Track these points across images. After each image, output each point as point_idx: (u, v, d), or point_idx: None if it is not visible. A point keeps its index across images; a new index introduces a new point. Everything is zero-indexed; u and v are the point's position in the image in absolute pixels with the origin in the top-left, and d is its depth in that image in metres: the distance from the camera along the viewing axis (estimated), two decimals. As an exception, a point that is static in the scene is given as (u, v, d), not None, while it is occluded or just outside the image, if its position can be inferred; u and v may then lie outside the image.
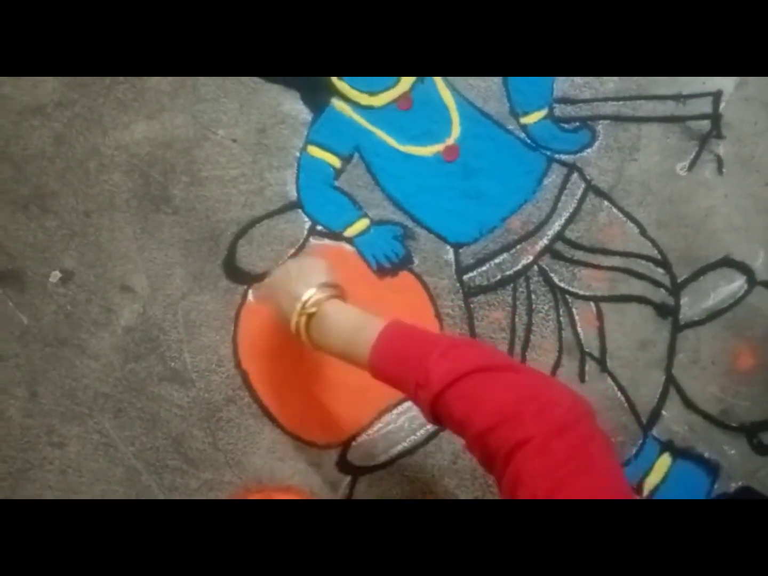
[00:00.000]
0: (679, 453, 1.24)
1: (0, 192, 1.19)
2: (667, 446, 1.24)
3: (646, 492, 1.25)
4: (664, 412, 1.24)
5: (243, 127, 1.22)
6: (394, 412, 1.22)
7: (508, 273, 1.24)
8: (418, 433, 1.22)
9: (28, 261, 1.19)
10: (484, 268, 1.24)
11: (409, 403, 1.21)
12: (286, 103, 1.22)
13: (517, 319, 1.24)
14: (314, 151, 1.23)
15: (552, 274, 1.24)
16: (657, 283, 1.25)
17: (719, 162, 1.25)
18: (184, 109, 1.21)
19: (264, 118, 1.22)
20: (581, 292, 1.24)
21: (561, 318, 1.24)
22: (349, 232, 1.24)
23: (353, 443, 1.23)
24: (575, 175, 1.25)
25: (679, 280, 1.25)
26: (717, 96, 1.25)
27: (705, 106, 1.25)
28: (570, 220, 1.24)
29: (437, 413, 0.88)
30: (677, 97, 1.25)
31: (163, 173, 1.21)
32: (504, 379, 0.86)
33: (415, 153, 1.24)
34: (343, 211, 1.24)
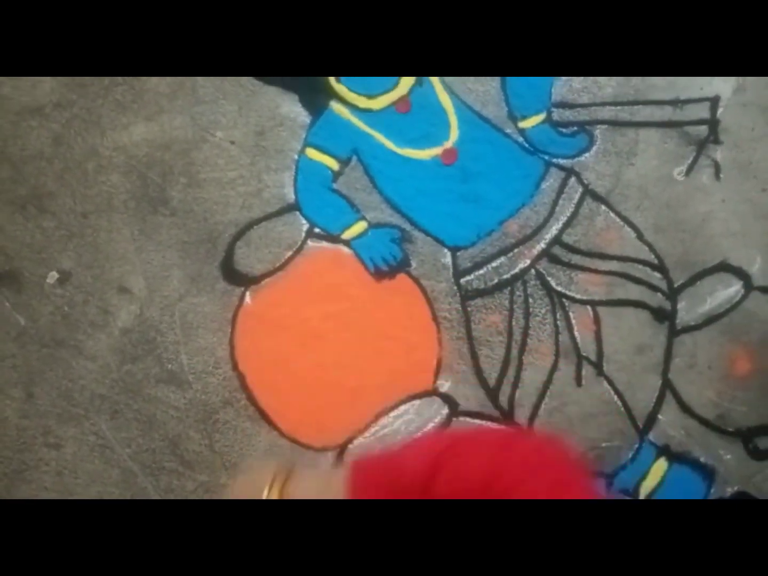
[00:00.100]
0: (675, 457, 1.24)
1: None
2: (663, 451, 1.24)
3: (642, 496, 1.24)
4: (660, 417, 1.24)
5: (241, 129, 1.21)
6: (391, 414, 1.22)
7: (505, 277, 1.24)
8: (415, 436, 1.22)
9: (25, 261, 1.19)
10: (481, 272, 1.24)
11: (405, 406, 1.21)
12: (285, 105, 1.22)
13: (514, 323, 1.23)
14: (312, 153, 1.23)
15: (549, 278, 1.24)
16: (654, 288, 1.24)
17: (717, 167, 1.25)
18: (182, 110, 1.21)
19: (262, 121, 1.22)
20: (578, 296, 1.24)
21: (558, 322, 1.24)
22: (347, 234, 1.23)
23: (350, 446, 1.22)
24: (573, 179, 1.25)
25: (676, 285, 1.24)
26: (714, 101, 1.25)
27: (702, 111, 1.25)
28: (567, 224, 1.24)
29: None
30: (675, 102, 1.25)
31: (161, 175, 1.20)
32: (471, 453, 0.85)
33: (413, 156, 1.24)
34: (341, 213, 1.23)
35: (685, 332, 1.24)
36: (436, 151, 1.24)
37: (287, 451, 1.21)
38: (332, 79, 1.22)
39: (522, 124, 1.25)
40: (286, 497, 0.94)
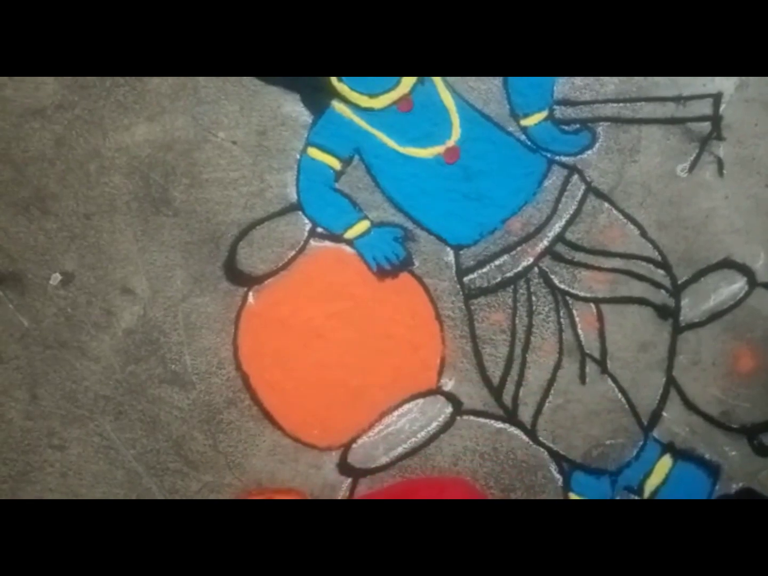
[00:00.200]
0: (680, 454, 1.23)
1: (0, 194, 1.18)
2: (667, 448, 1.23)
3: (647, 493, 1.24)
4: (664, 414, 1.23)
5: (243, 129, 1.20)
6: (395, 414, 1.21)
7: (508, 275, 1.23)
8: (418, 435, 1.21)
9: (28, 263, 1.18)
10: (484, 270, 1.23)
11: (409, 405, 1.21)
12: (287, 105, 1.21)
13: (517, 321, 1.22)
14: (314, 153, 1.22)
15: (552, 276, 1.23)
16: (657, 285, 1.23)
17: (720, 164, 1.24)
18: (184, 111, 1.20)
19: (264, 120, 1.21)
20: (582, 294, 1.23)
21: (561, 320, 1.23)
22: (350, 234, 1.22)
23: (353, 445, 1.22)
24: (575, 176, 1.24)
25: (679, 282, 1.24)
26: (717, 98, 1.24)
27: (705, 107, 1.24)
28: (570, 222, 1.23)
29: None
30: (677, 99, 1.24)
31: (164, 175, 1.19)
32: None
33: (416, 155, 1.23)
34: (344, 213, 1.22)
35: (689, 329, 1.24)
36: (439, 149, 1.23)
37: (291, 451, 1.20)
38: (334, 79, 1.21)
39: (524, 122, 1.24)
40: None
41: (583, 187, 1.24)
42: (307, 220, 1.22)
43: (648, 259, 1.24)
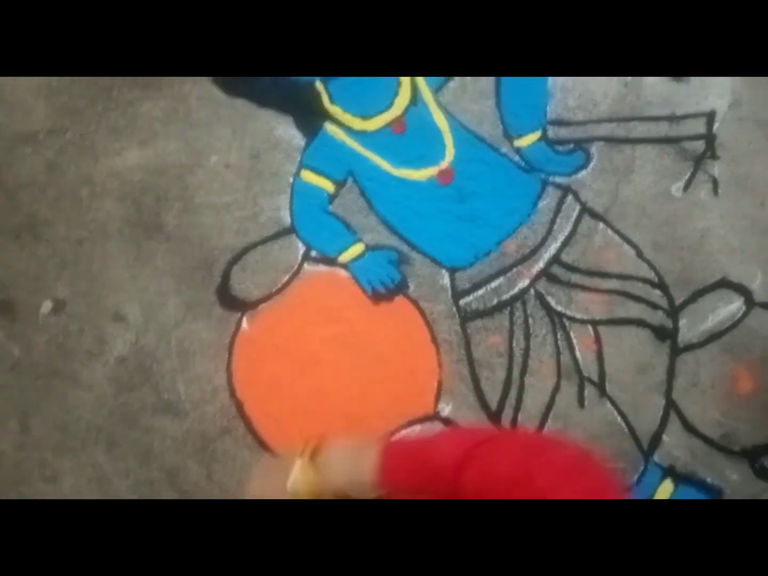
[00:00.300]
0: (681, 479, 1.20)
1: None
2: (668, 472, 1.21)
3: (648, 518, 1.22)
4: (664, 437, 1.20)
5: (236, 153, 1.19)
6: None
7: (504, 297, 1.21)
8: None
9: (19, 291, 1.16)
10: (480, 293, 1.21)
11: (406, 431, 1.18)
12: (279, 128, 1.19)
13: (514, 344, 1.20)
14: (308, 176, 1.20)
15: (549, 298, 1.21)
16: (655, 306, 1.21)
17: (714, 183, 1.22)
18: (176, 135, 1.18)
19: (257, 144, 1.19)
20: (578, 316, 1.21)
21: (559, 342, 1.20)
22: (344, 257, 1.20)
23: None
24: (570, 197, 1.22)
25: (677, 303, 1.21)
26: (710, 116, 1.22)
27: (699, 126, 1.23)
28: (566, 243, 1.21)
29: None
30: (671, 118, 1.22)
31: (156, 200, 1.17)
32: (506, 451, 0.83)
33: (409, 177, 1.21)
34: (338, 236, 1.20)
35: (687, 351, 1.21)
36: (432, 171, 1.21)
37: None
38: (326, 101, 1.20)
39: (518, 143, 1.22)
40: (317, 467, 0.94)
41: (577, 207, 1.22)
42: (301, 244, 1.20)
43: (644, 280, 1.21)
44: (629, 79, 1.22)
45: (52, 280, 1.16)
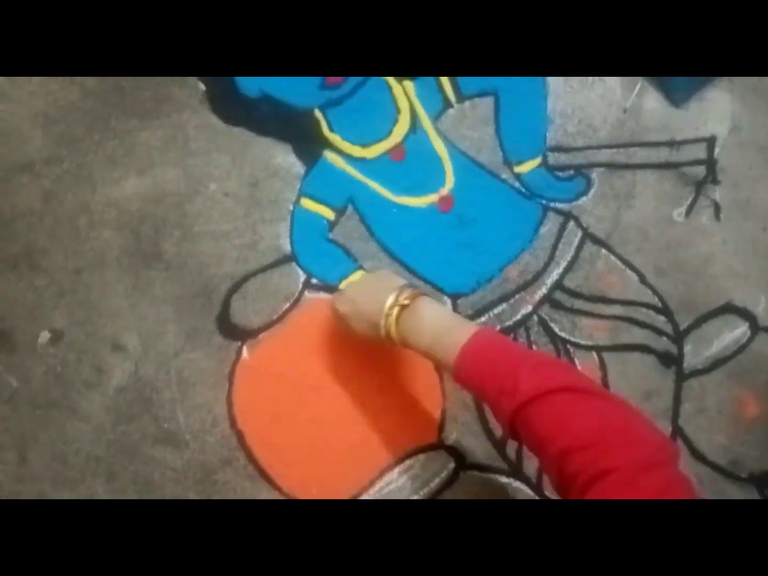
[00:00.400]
0: (690, 506, 1.21)
1: None
2: (676, 499, 1.21)
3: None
4: (671, 464, 1.20)
5: (235, 181, 1.17)
6: (396, 470, 1.16)
7: (507, 323, 1.20)
8: (421, 492, 1.16)
9: (17, 321, 1.14)
10: (483, 319, 1.19)
11: (411, 461, 1.16)
12: (278, 155, 1.18)
13: (518, 371, 1.20)
14: (307, 203, 1.19)
15: (552, 324, 1.20)
16: (659, 332, 1.20)
17: (716, 207, 1.22)
18: (174, 163, 1.16)
19: (256, 172, 1.17)
20: (583, 342, 1.20)
21: (563, 369, 1.20)
22: (345, 284, 1.20)
23: (354, 503, 1.18)
24: (571, 223, 1.21)
25: (681, 328, 1.21)
26: (711, 141, 1.23)
27: (699, 151, 1.23)
28: (568, 269, 1.20)
29: (516, 426, 0.83)
30: (671, 144, 1.23)
31: (155, 229, 1.15)
32: (594, 405, 0.81)
33: (410, 204, 1.20)
34: (338, 263, 1.19)
35: (693, 376, 1.20)
36: (433, 198, 1.21)
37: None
38: (325, 129, 1.19)
39: (518, 169, 1.22)
40: (410, 306, 0.98)
41: (579, 233, 1.22)
42: (301, 272, 1.18)
43: (648, 306, 1.21)
44: (628, 105, 1.23)
45: (49, 310, 1.14)
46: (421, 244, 1.21)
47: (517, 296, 1.20)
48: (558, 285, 1.20)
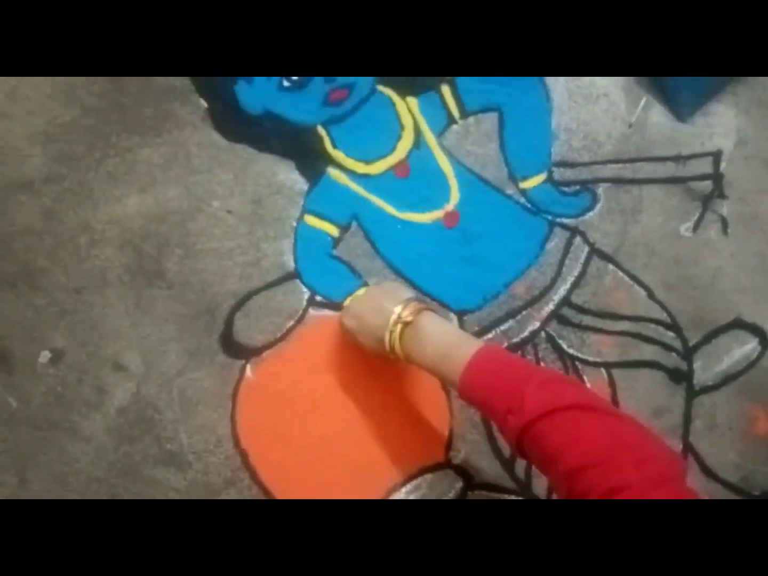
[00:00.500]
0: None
1: None
2: (688, 517, 1.20)
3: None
4: (683, 482, 1.20)
5: (238, 198, 1.16)
6: (403, 490, 1.15)
7: (515, 340, 1.19)
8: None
9: (16, 341, 1.12)
10: (490, 336, 1.19)
11: (418, 481, 1.15)
12: (281, 173, 1.18)
13: (526, 388, 1.20)
14: (311, 220, 1.18)
15: (560, 341, 1.19)
16: (668, 347, 1.20)
17: (723, 222, 1.23)
18: (176, 181, 1.15)
19: (259, 189, 1.17)
20: (591, 359, 1.19)
21: (572, 386, 1.20)
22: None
23: (360, 524, 1.17)
24: (578, 238, 1.21)
25: (690, 344, 1.20)
26: (717, 156, 1.23)
27: (705, 166, 1.23)
28: (575, 285, 1.20)
29: (524, 444, 0.83)
30: (677, 158, 1.24)
31: (157, 247, 1.14)
32: (603, 422, 0.80)
33: (414, 220, 1.19)
34: (343, 280, 1.18)
35: (703, 393, 1.20)
36: (437, 214, 1.20)
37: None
38: (328, 145, 1.18)
39: (523, 185, 1.22)
40: (413, 322, 0.99)
41: (586, 248, 1.21)
42: (305, 289, 1.17)
43: (657, 321, 1.20)
44: (633, 119, 1.23)
45: (49, 330, 1.13)
46: (427, 260, 1.20)
47: (524, 312, 1.20)
48: (565, 301, 1.20)
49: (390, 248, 1.20)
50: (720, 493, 1.19)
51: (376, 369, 1.16)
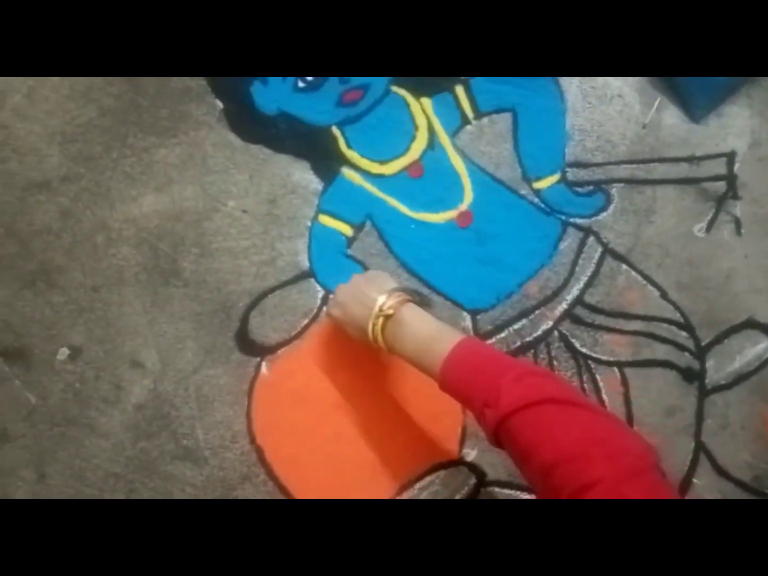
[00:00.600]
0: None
1: (6, 268, 1.14)
2: (700, 517, 1.21)
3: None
4: (695, 480, 1.19)
5: (253, 198, 1.18)
6: (416, 487, 1.17)
7: (527, 339, 1.20)
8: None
9: (35, 338, 1.14)
10: (503, 335, 1.20)
11: (431, 477, 1.16)
12: (296, 173, 1.19)
13: (539, 387, 1.21)
14: (326, 220, 1.20)
15: (573, 340, 1.20)
16: (681, 347, 1.21)
17: (737, 223, 1.23)
18: (192, 180, 1.17)
19: (274, 189, 1.19)
20: (604, 358, 1.20)
21: (585, 384, 1.19)
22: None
23: (374, 520, 1.19)
24: (591, 238, 1.22)
25: (703, 344, 1.21)
26: (731, 157, 1.23)
27: (719, 167, 1.24)
28: (589, 284, 1.21)
29: (501, 436, 0.84)
30: (690, 159, 1.24)
31: (173, 246, 1.16)
32: (577, 416, 0.81)
33: (428, 220, 1.21)
34: (357, 279, 1.21)
35: (716, 392, 1.20)
36: (451, 214, 1.22)
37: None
38: (343, 146, 1.20)
39: (537, 185, 1.23)
40: (394, 315, 1.00)
41: (599, 248, 1.22)
42: (320, 288, 1.19)
43: (670, 321, 1.21)
44: (647, 120, 1.24)
45: (67, 327, 1.15)
46: (440, 260, 1.21)
47: (537, 312, 1.21)
48: (579, 301, 1.21)
49: (403, 248, 1.21)
50: (732, 493, 1.19)
51: (389, 367, 1.18)
